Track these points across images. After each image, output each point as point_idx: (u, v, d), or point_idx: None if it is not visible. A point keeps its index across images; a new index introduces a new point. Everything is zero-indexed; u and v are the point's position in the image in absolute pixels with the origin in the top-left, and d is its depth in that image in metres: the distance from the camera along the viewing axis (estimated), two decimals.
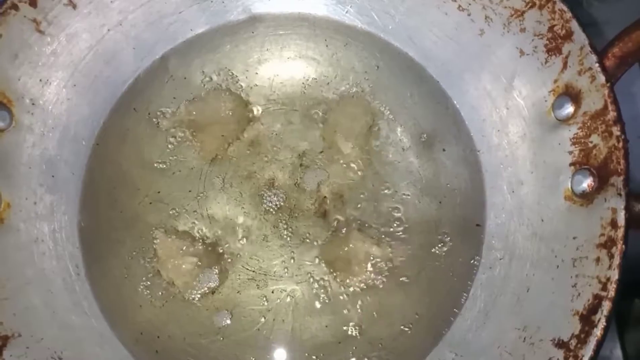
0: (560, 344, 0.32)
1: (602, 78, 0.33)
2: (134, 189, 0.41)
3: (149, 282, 0.39)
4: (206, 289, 0.39)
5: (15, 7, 0.35)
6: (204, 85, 0.44)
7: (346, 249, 0.40)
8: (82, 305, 0.37)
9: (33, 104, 0.38)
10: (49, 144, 0.39)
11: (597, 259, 0.32)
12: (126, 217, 0.40)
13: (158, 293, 0.39)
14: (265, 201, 0.42)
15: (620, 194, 0.31)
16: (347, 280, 0.40)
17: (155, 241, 0.39)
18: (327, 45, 0.45)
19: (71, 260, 0.38)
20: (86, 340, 0.36)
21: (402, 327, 0.39)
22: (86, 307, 0.37)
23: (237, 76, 0.44)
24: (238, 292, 0.40)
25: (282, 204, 0.42)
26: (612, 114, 0.33)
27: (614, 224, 0.31)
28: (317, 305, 0.40)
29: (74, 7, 0.39)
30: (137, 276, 0.39)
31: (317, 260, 0.41)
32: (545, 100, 0.37)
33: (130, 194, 0.41)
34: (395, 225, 0.41)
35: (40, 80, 0.38)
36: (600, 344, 0.30)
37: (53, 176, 0.39)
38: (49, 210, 0.38)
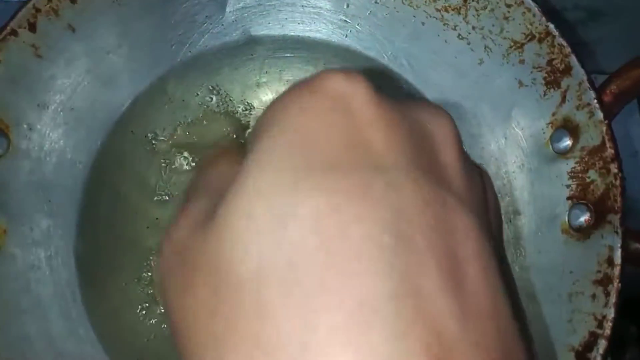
0: None
1: (600, 115, 0.34)
2: (132, 213, 0.41)
3: (146, 308, 0.39)
4: None
5: (14, 33, 0.35)
6: (203, 108, 0.44)
7: None
8: (78, 332, 0.37)
9: (30, 129, 0.38)
10: (46, 168, 0.39)
11: (593, 296, 0.32)
12: (123, 242, 0.40)
13: (155, 319, 0.39)
14: None
15: (617, 232, 0.32)
16: None
17: (152, 267, 0.39)
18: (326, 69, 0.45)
19: (68, 287, 0.38)
20: None
21: None
22: (82, 334, 0.37)
23: (235, 99, 0.44)
24: None
25: None
26: (609, 151, 0.33)
27: (610, 262, 0.32)
28: None
29: (73, 30, 0.38)
30: (135, 302, 0.39)
31: None
32: (544, 133, 0.37)
33: (127, 218, 0.41)
34: None
35: (38, 105, 0.38)
36: None
37: (50, 201, 0.39)
38: (45, 235, 0.38)
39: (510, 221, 0.40)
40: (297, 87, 0.19)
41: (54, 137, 0.39)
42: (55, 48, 0.38)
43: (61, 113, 0.40)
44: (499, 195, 0.41)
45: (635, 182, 0.62)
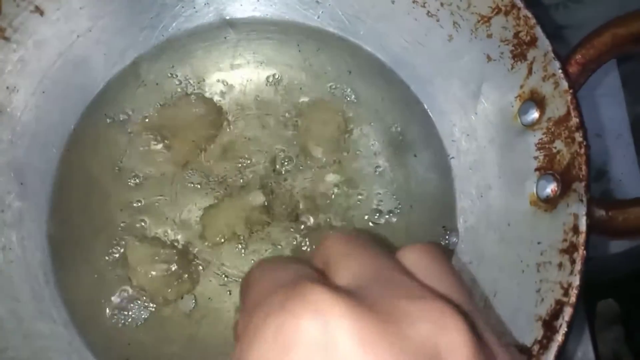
0: (524, 350, 0.32)
1: (565, 84, 0.34)
2: (105, 196, 0.41)
3: (119, 289, 0.39)
4: (178, 296, 0.39)
5: None
6: (176, 90, 0.44)
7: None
8: (50, 313, 0.37)
9: (0, 111, 0.38)
10: (18, 151, 0.39)
11: (560, 265, 0.32)
12: (97, 224, 0.40)
13: (129, 300, 0.39)
14: None
15: (582, 200, 0.32)
16: None
17: (125, 248, 0.39)
18: (299, 51, 0.45)
19: (40, 268, 0.38)
20: (54, 348, 0.36)
21: None
22: (55, 315, 0.37)
23: (209, 81, 0.44)
24: (209, 299, 0.40)
25: None
26: (574, 120, 0.33)
27: (575, 230, 0.32)
28: None
29: (42, 13, 0.38)
30: (108, 283, 0.39)
31: None
32: (512, 106, 0.37)
33: (101, 200, 0.41)
34: (366, 230, 0.41)
35: (7, 87, 0.38)
36: (561, 350, 0.30)
37: (22, 183, 0.39)
38: (17, 217, 0.38)
39: (482, 196, 0.40)
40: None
41: (26, 119, 0.39)
42: (23, 31, 0.38)
43: (33, 97, 0.40)
44: (470, 171, 0.41)
45: (620, 163, 0.62)
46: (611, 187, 0.61)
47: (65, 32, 0.40)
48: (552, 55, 0.34)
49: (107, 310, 0.39)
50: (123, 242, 0.40)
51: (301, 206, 0.42)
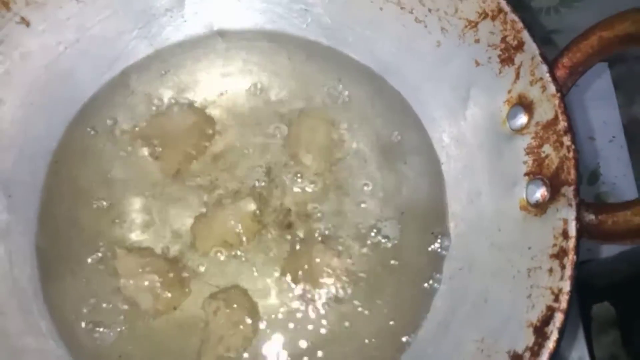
0: (515, 357, 0.32)
1: (552, 88, 0.33)
2: (94, 207, 0.41)
3: (109, 301, 0.39)
4: (169, 308, 0.39)
5: None
6: (166, 100, 0.44)
7: (309, 261, 0.40)
8: (39, 326, 0.37)
9: None
10: (5, 164, 0.39)
11: (550, 270, 0.32)
12: (86, 235, 0.40)
13: (119, 312, 0.39)
14: None
15: (571, 204, 0.31)
16: (310, 294, 0.40)
17: (115, 259, 0.39)
18: (288, 59, 0.45)
19: (28, 282, 0.38)
20: None
21: (365, 340, 0.39)
22: (43, 329, 0.37)
23: (199, 91, 0.44)
24: (201, 309, 0.40)
25: None
26: (562, 124, 0.33)
27: (565, 235, 0.31)
28: (280, 318, 0.39)
29: (27, 24, 0.38)
30: (97, 295, 0.39)
31: (280, 274, 0.40)
32: (501, 111, 0.37)
33: (90, 212, 0.41)
34: (357, 237, 0.41)
35: None
36: (552, 356, 0.30)
37: (10, 196, 0.39)
38: (4, 231, 0.38)
39: (472, 202, 0.39)
40: None
41: (12, 132, 0.39)
42: (8, 42, 0.38)
43: (20, 109, 0.40)
44: (460, 177, 0.41)
45: (614, 165, 0.61)
46: (605, 190, 0.60)
47: (52, 44, 0.40)
48: (540, 59, 0.34)
49: (97, 323, 0.38)
50: (113, 254, 0.39)
51: (293, 213, 0.42)
